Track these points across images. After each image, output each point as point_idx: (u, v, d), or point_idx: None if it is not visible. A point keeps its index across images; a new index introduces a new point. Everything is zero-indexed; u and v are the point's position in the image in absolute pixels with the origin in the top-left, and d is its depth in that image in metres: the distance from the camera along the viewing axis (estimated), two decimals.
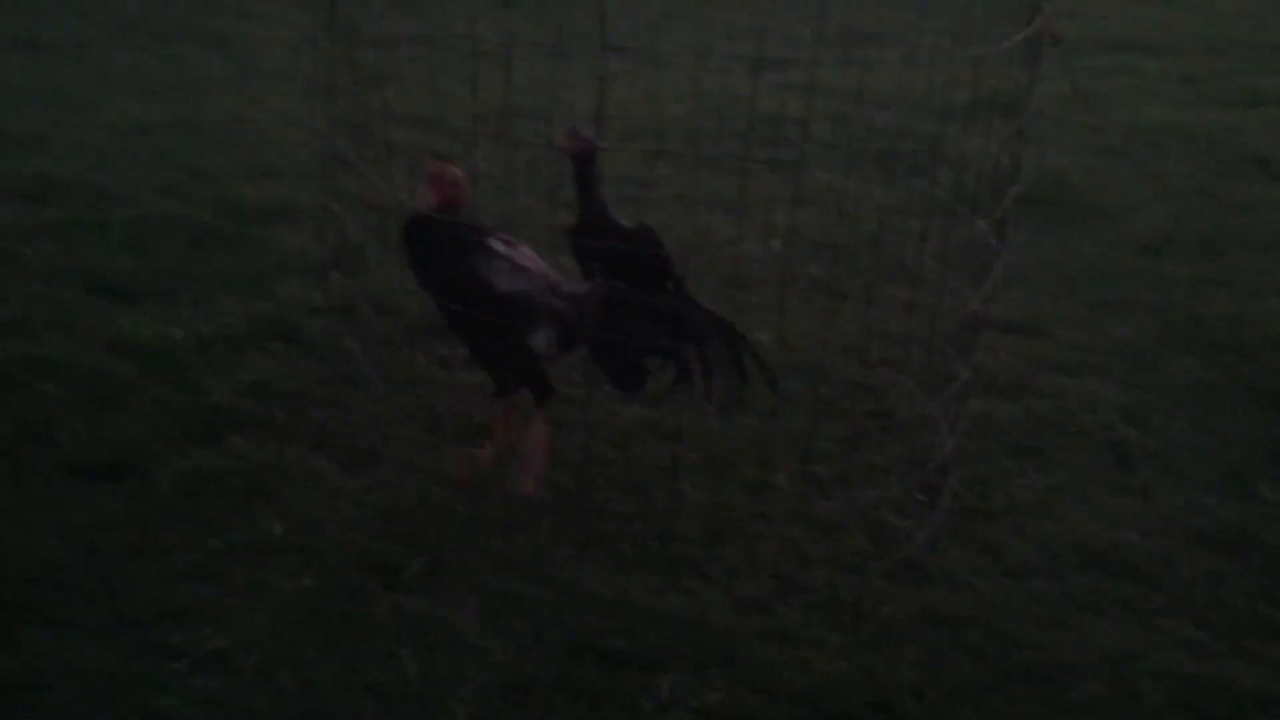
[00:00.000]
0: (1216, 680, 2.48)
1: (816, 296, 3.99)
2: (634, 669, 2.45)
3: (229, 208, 4.64)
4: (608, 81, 4.98)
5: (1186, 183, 5.33)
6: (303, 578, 2.68)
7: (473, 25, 2.80)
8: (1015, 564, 2.82)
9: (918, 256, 3.67)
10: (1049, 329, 3.95)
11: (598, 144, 3.19)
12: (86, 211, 4.55)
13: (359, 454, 3.13)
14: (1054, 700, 2.43)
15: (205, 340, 3.61)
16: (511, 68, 3.06)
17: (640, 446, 3.19)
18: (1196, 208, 5.03)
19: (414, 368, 3.39)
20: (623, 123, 5.30)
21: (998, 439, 3.32)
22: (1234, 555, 2.88)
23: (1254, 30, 8.47)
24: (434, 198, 2.95)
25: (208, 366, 3.49)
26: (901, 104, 4.44)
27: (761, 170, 4.87)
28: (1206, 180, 5.37)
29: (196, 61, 6.79)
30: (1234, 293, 4.23)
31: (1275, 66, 7.45)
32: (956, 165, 3.55)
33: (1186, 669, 2.51)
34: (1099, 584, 2.77)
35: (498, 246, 2.98)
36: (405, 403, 3.27)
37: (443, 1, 2.69)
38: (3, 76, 6.30)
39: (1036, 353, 3.80)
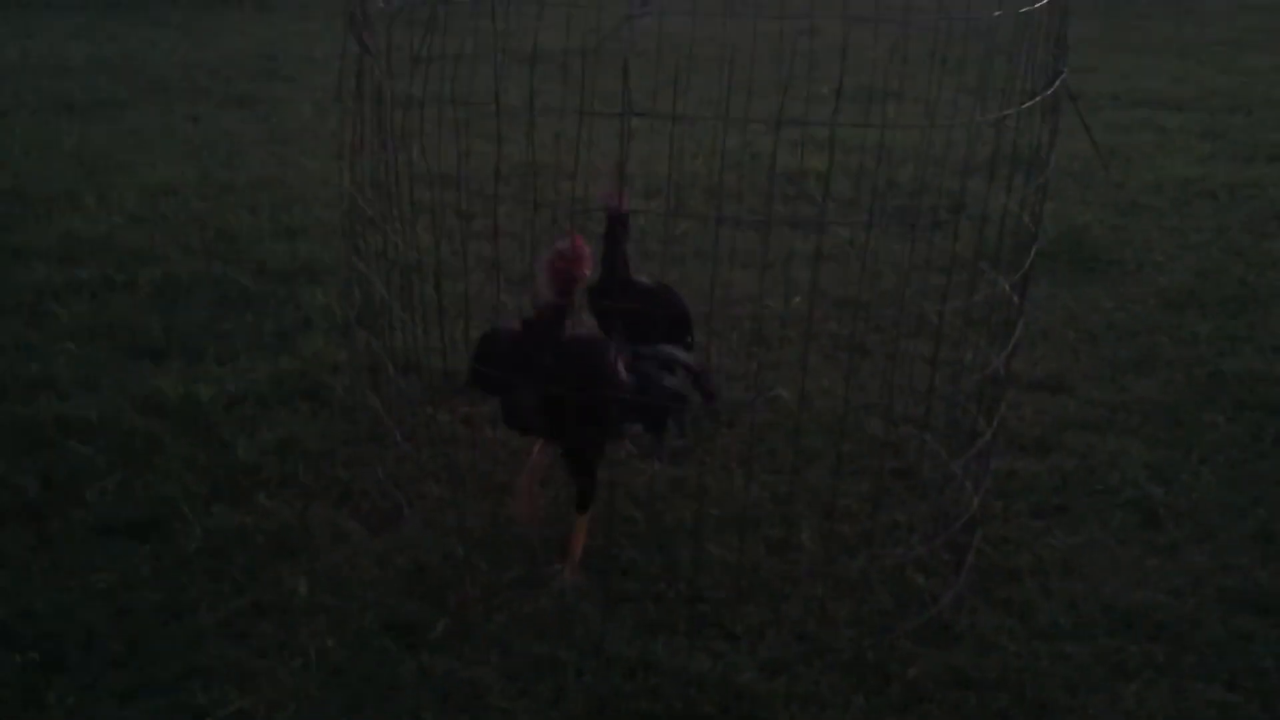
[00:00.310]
0: None
1: (839, 353, 4.00)
2: None
3: (256, 267, 4.70)
4: (629, 139, 5.03)
5: (1209, 238, 5.33)
6: (327, 638, 2.68)
7: (496, 85, 2.83)
8: (1043, 625, 2.80)
9: (940, 312, 3.68)
10: (1073, 385, 3.94)
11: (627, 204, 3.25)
12: (116, 271, 4.61)
13: (383, 512, 3.14)
14: None
15: (232, 398, 3.65)
16: (535, 126, 3.11)
17: (664, 505, 3.19)
18: (1220, 263, 5.02)
19: (437, 425, 3.40)
20: (645, 180, 5.35)
21: (1023, 497, 3.30)
22: (1265, 615, 2.84)
23: (1275, 86, 8.49)
24: (553, 289, 2.74)
25: (234, 424, 3.52)
26: (922, 160, 4.46)
27: (782, 226, 4.89)
28: (1229, 235, 5.37)
29: (226, 122, 6.91)
30: (1259, 348, 4.21)
31: None
32: (978, 221, 3.57)
33: None
34: (1128, 645, 2.73)
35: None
36: (429, 461, 3.29)
37: (467, 62, 2.73)
38: (38, 137, 6.43)
39: (1061, 410, 3.78)
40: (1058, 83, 2.70)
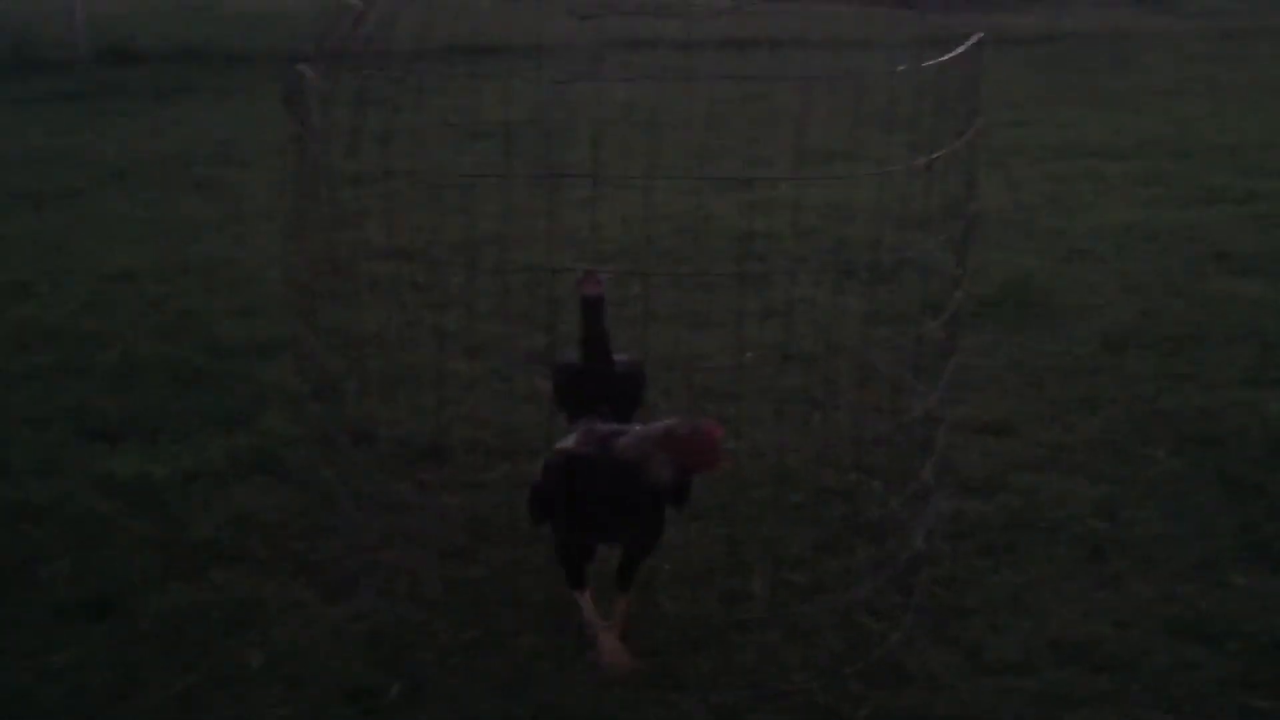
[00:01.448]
0: None
1: (788, 405, 4.06)
2: None
3: (213, 346, 4.73)
4: (580, 206, 5.13)
5: (1151, 279, 5.46)
6: (282, 708, 2.69)
7: (448, 159, 2.92)
8: (992, 661, 2.84)
9: (887, 362, 3.76)
10: (1019, 427, 4.01)
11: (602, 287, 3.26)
12: (73, 356, 4.63)
13: (339, 582, 3.16)
14: None
15: (188, 476, 3.67)
16: (485, 198, 3.20)
17: (616, 561, 3.22)
18: (1161, 303, 5.14)
19: (391, 493, 3.44)
20: (597, 245, 5.44)
21: (971, 537, 3.35)
22: (1209, 643, 2.89)
23: (1211, 132, 8.72)
24: (671, 468, 2.62)
25: (190, 502, 3.53)
26: (867, 216, 4.57)
27: (732, 285, 4.97)
28: (1169, 277, 5.50)
29: (183, 207, 6.97)
30: (1199, 385, 4.31)
31: (1232, 165, 7.66)
32: (922, 272, 3.66)
33: None
34: (1076, 678, 2.78)
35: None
36: (384, 529, 3.31)
37: (417, 138, 2.81)
38: None
39: (1007, 451, 3.85)
40: (971, 132, 2.80)
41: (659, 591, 3.06)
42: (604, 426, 2.82)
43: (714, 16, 2.91)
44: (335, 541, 3.30)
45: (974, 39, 2.85)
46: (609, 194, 5.80)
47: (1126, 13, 16.34)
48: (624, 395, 3.29)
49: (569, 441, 2.81)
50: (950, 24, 2.92)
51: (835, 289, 4.87)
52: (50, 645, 2.90)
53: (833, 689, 2.72)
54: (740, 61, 3.19)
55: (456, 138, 2.99)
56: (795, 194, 3.24)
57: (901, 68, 2.73)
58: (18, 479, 3.67)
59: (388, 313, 4.07)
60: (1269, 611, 2.99)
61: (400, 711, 2.69)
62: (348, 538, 3.28)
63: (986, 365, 4.50)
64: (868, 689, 2.73)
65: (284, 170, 3.21)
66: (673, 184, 4.80)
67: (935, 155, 2.74)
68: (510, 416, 3.89)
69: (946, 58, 2.76)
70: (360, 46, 3.03)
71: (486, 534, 3.34)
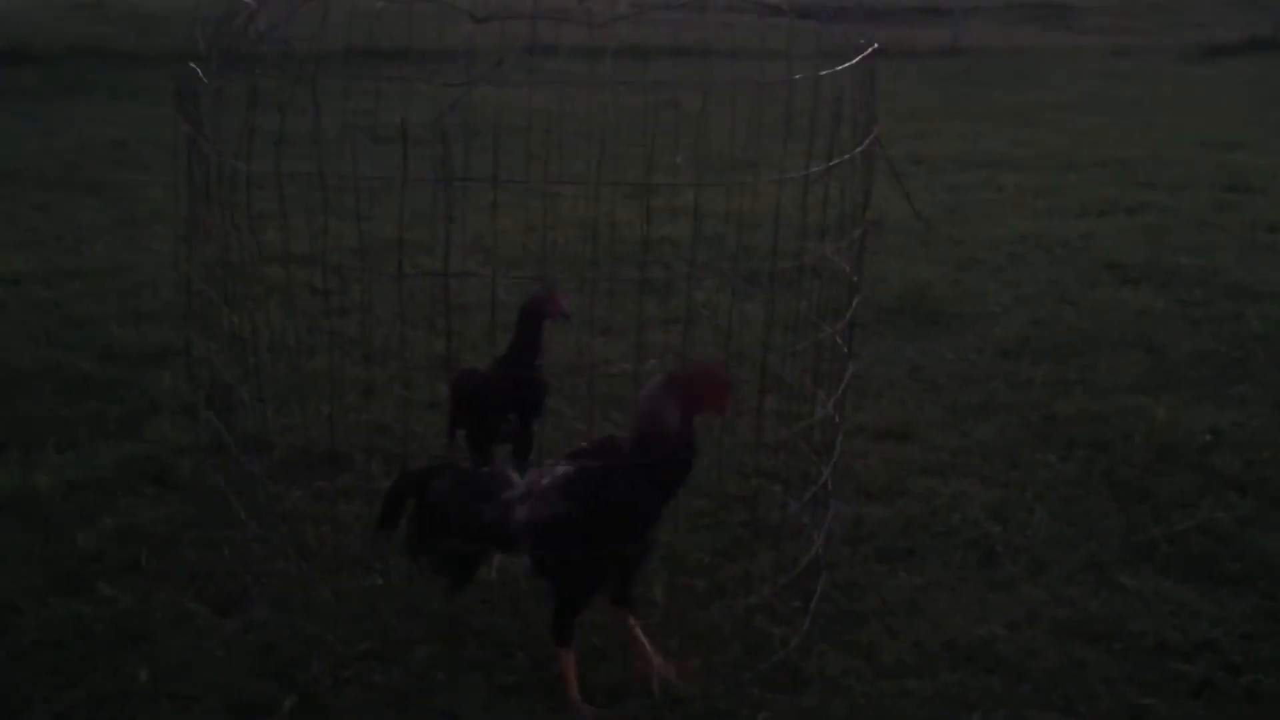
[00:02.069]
0: None
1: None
2: None
3: (102, 353, 4.60)
4: (483, 212, 5.09)
5: (1043, 289, 5.59)
6: None
7: (352, 163, 2.87)
8: (888, 664, 2.87)
9: (787, 369, 3.78)
10: (917, 433, 4.08)
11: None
12: None
13: (231, 594, 3.08)
14: None
15: (73, 486, 3.55)
16: (385, 202, 3.14)
17: (515, 568, 3.19)
18: (1053, 312, 5.27)
19: (285, 503, 3.36)
20: (505, 251, 5.41)
21: (870, 542, 3.39)
22: (1097, 643, 2.96)
23: (1103, 145, 8.99)
24: (679, 414, 2.60)
25: (75, 513, 3.42)
26: (768, 223, 4.60)
27: (634, 291, 4.97)
28: (1062, 286, 5.64)
29: (74, 209, 6.78)
30: (1090, 391, 4.42)
31: (1123, 178, 7.90)
32: (824, 280, 3.69)
33: None
34: (969, 679, 2.82)
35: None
36: (277, 539, 3.24)
37: (314, 141, 2.75)
38: None
39: (906, 456, 3.91)
40: (867, 141, 2.84)
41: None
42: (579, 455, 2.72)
43: (614, 22, 2.90)
44: (227, 553, 3.21)
45: (869, 49, 2.89)
46: (512, 200, 5.77)
47: (1025, 29, 16.78)
48: (528, 403, 3.28)
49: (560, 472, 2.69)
50: (850, 36, 2.95)
51: (736, 296, 4.89)
52: None
53: (732, 693, 2.73)
54: (642, 69, 3.20)
55: (356, 141, 2.94)
56: (697, 201, 3.26)
57: (799, 76, 2.75)
58: None
59: (284, 319, 3.98)
60: (1154, 612, 3.07)
61: None
62: (240, 549, 3.21)
63: (885, 372, 4.57)
64: (767, 692, 2.74)
65: (178, 173, 3.12)
66: (576, 190, 4.78)
67: (832, 163, 2.77)
68: (409, 423, 3.84)
69: (843, 67, 2.79)
70: (254, 47, 2.96)
71: (382, 544, 3.28)
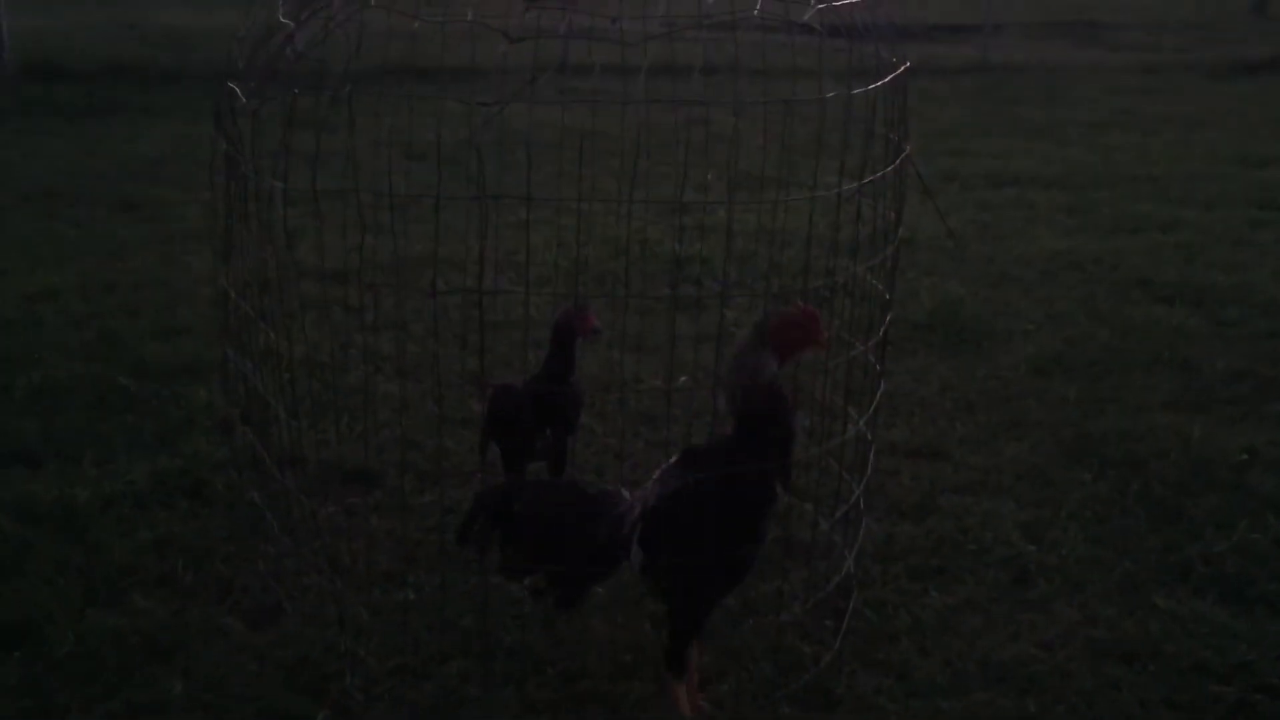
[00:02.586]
0: None
1: (721, 429, 4.06)
2: None
3: (138, 367, 4.65)
4: (515, 229, 5.13)
5: (1075, 307, 5.56)
6: None
7: (384, 179, 2.90)
8: (920, 683, 2.86)
9: (818, 386, 3.77)
10: (949, 451, 4.06)
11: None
12: None
13: (264, 607, 3.11)
14: None
15: (109, 500, 3.59)
16: (419, 220, 3.18)
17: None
18: (1085, 330, 5.24)
19: (319, 519, 3.39)
20: (537, 269, 5.44)
21: (902, 560, 3.38)
22: (1132, 665, 2.94)
23: (1134, 163, 8.93)
24: (778, 358, 2.56)
25: (111, 526, 3.46)
26: (799, 241, 4.60)
27: (666, 308, 4.98)
28: (1094, 304, 5.61)
29: (110, 226, 6.86)
30: (1123, 409, 4.39)
31: (1153, 195, 7.85)
32: (854, 298, 3.69)
33: None
34: (1002, 699, 2.80)
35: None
36: (310, 554, 3.26)
37: (349, 158, 2.79)
38: None
39: (937, 474, 3.90)
40: (899, 159, 2.84)
41: (590, 615, 3.04)
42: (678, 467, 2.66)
43: (646, 41, 2.91)
44: (261, 567, 3.24)
45: (903, 68, 2.89)
46: (544, 217, 5.81)
47: (1055, 46, 16.72)
48: (562, 419, 3.30)
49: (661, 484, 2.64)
50: (881, 54, 2.95)
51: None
52: None
53: (764, 712, 2.72)
54: (673, 88, 3.21)
55: (390, 159, 2.96)
56: (729, 219, 3.26)
57: (832, 94, 2.76)
58: None
59: (319, 335, 4.02)
60: (1190, 634, 3.05)
61: None
62: (274, 563, 3.23)
63: (917, 390, 4.56)
64: (798, 711, 2.74)
65: (214, 190, 3.16)
66: (607, 208, 4.79)
67: (863, 181, 2.77)
68: (442, 440, 3.86)
69: (876, 85, 2.80)
70: (291, 66, 3.00)
71: (416, 558, 3.31)
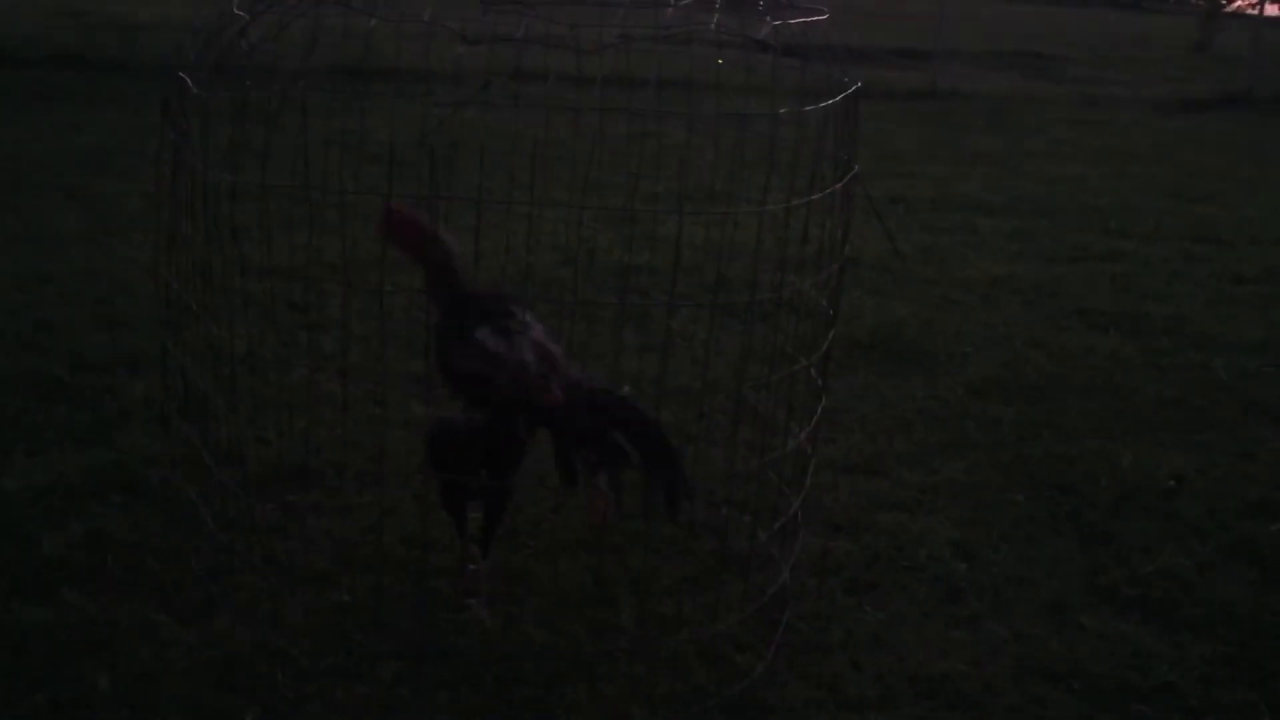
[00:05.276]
0: None
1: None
2: None
3: (75, 359, 4.57)
4: (464, 233, 5.10)
5: (1015, 331, 5.66)
6: None
7: (334, 178, 2.89)
8: (851, 696, 2.89)
9: (760, 400, 3.81)
10: (886, 469, 4.11)
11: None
12: None
13: (196, 605, 3.07)
14: None
15: (40, 491, 3.53)
16: (367, 219, 3.17)
17: (483, 589, 3.20)
18: (1023, 354, 5.33)
19: (256, 516, 3.36)
20: (485, 273, 5.43)
21: (836, 574, 3.42)
22: (1058, 683, 2.99)
23: (1077, 193, 9.12)
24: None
25: (41, 518, 3.40)
26: (746, 256, 4.65)
27: (612, 317, 5.01)
28: (1033, 329, 5.71)
29: (50, 214, 6.75)
30: (1057, 433, 4.47)
31: (1094, 225, 8.01)
32: (800, 313, 3.73)
33: None
34: (931, 714, 2.84)
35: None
36: (245, 552, 3.23)
37: (299, 155, 2.78)
38: None
39: (874, 491, 3.94)
40: (848, 177, 2.88)
41: (526, 621, 3.04)
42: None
43: (601, 51, 2.94)
44: (194, 564, 3.20)
45: (853, 88, 2.94)
46: (493, 223, 5.80)
47: (1003, 76, 17.02)
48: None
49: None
50: (832, 74, 3.00)
51: (713, 326, 4.94)
52: None
53: (697, 719, 2.74)
54: (627, 98, 3.24)
55: (340, 157, 2.96)
56: (677, 231, 3.28)
57: (784, 110, 2.80)
58: None
59: (262, 331, 3.98)
60: (1115, 654, 3.11)
61: None
62: (208, 560, 3.19)
63: (857, 407, 4.61)
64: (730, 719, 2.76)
65: (158, 181, 3.13)
66: (557, 215, 4.81)
67: (811, 198, 2.81)
68: (383, 440, 3.83)
69: (826, 104, 2.84)
70: (243, 59, 2.98)
71: (352, 559, 3.29)
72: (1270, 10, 20.65)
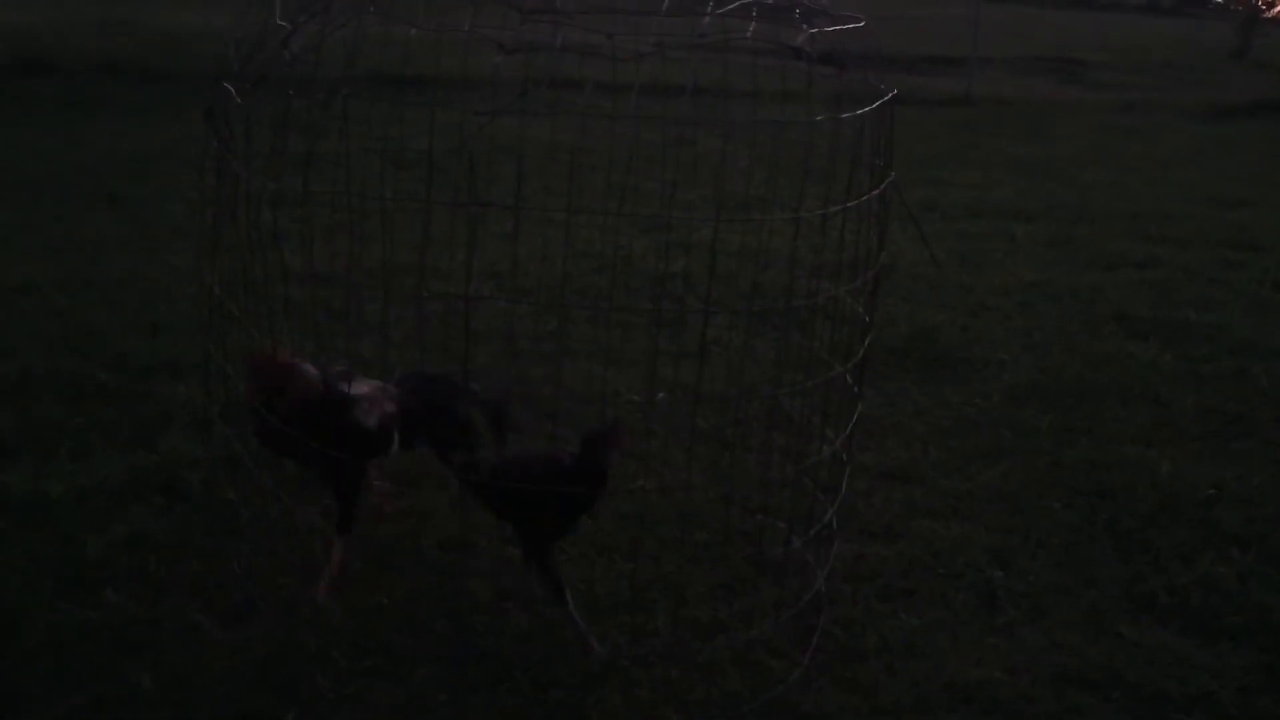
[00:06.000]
0: None
1: (700, 446, 4.10)
2: None
3: (116, 363, 4.64)
4: (501, 240, 5.15)
5: (1051, 338, 5.63)
6: None
7: (371, 185, 2.92)
8: (886, 703, 2.89)
9: (795, 407, 3.82)
10: (922, 475, 4.10)
11: None
12: None
13: (237, 606, 3.11)
14: None
15: (83, 494, 3.58)
16: (405, 226, 3.20)
17: (518, 592, 3.22)
18: (1060, 360, 5.31)
19: (294, 518, 3.39)
20: (517, 280, 5.47)
21: (871, 581, 3.41)
22: (1095, 692, 2.98)
23: (1113, 199, 9.05)
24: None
25: (85, 520, 3.45)
26: (781, 262, 4.65)
27: (648, 324, 5.02)
28: (1069, 335, 5.68)
29: (94, 221, 6.83)
30: (1094, 440, 4.45)
31: (1131, 231, 7.95)
32: (835, 320, 3.74)
33: None
34: None
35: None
36: (285, 554, 3.27)
37: (338, 163, 2.81)
38: None
39: (909, 498, 3.93)
40: (884, 184, 2.89)
41: (562, 624, 3.06)
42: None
43: (637, 59, 2.96)
44: (235, 565, 3.24)
45: (888, 96, 2.94)
46: (529, 229, 5.84)
47: (1038, 82, 16.91)
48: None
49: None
50: (868, 82, 3.01)
51: (748, 332, 4.94)
52: None
53: None
54: (663, 107, 3.26)
55: (379, 165, 3.00)
56: (713, 238, 3.30)
57: (820, 118, 2.81)
58: None
59: (301, 337, 4.02)
60: (1152, 663, 3.09)
61: None
62: (248, 562, 3.23)
63: (892, 413, 4.60)
64: None
65: (199, 188, 3.17)
66: (593, 222, 4.83)
67: (848, 205, 2.82)
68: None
69: (862, 111, 2.85)
70: (285, 69, 3.02)
71: (390, 562, 3.32)
72: None
